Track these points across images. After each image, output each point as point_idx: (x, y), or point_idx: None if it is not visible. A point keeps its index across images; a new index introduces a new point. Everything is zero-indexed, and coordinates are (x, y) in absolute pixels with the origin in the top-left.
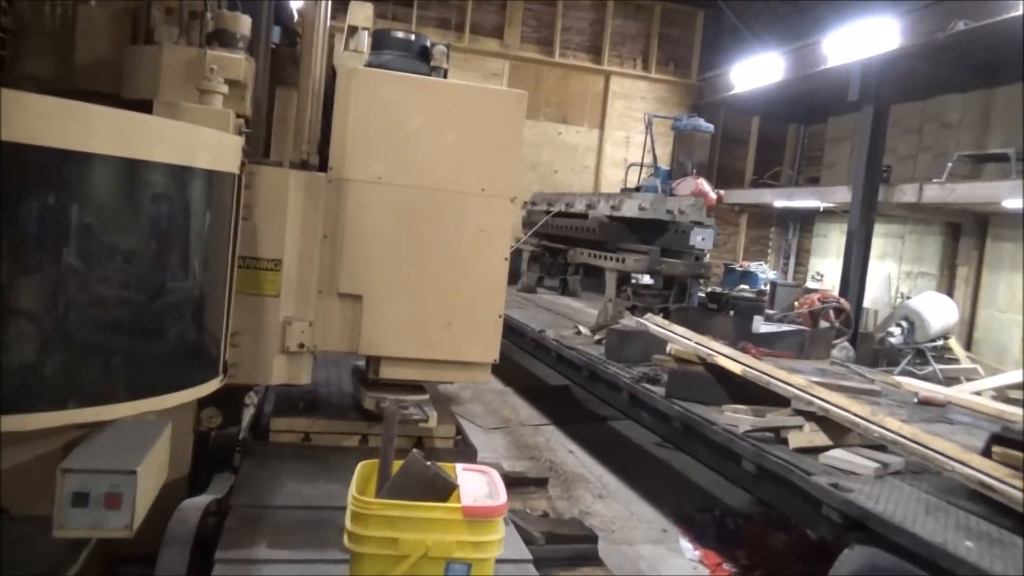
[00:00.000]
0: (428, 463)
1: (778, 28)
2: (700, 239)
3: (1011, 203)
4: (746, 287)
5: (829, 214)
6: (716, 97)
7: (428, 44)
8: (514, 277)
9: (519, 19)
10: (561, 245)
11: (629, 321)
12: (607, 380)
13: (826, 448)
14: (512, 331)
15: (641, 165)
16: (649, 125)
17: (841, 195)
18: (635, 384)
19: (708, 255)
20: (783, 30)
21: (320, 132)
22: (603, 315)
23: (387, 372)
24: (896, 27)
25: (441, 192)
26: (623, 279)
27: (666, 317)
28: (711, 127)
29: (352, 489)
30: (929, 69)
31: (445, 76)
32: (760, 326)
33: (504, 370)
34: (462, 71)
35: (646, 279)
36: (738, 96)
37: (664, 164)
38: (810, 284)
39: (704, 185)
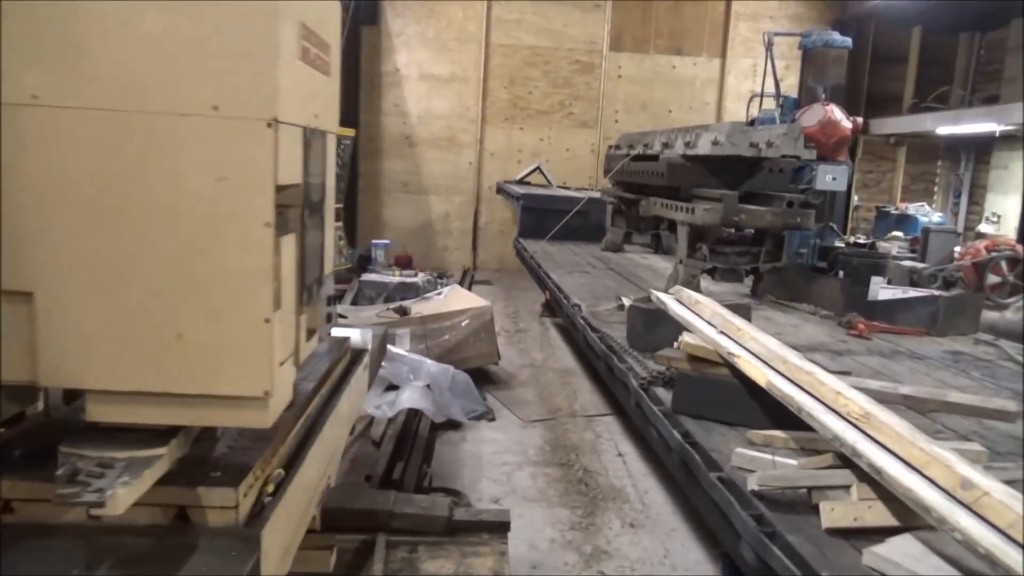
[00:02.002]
0: None
1: None
2: (830, 178)
3: None
4: (900, 234)
5: (1011, 140)
6: (862, 7)
7: None
8: (600, 234)
9: None
10: (635, 196)
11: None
12: (621, 378)
13: (886, 532)
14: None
15: (762, 95)
16: (769, 46)
17: (1021, 113)
18: (644, 387)
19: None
20: None
21: None
22: (672, 281)
23: (98, 413)
24: None
25: (142, 116)
26: (699, 233)
27: (756, 281)
28: (847, 40)
29: None
30: None
31: None
32: (880, 291)
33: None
34: (557, 4)
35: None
36: (891, 4)
37: (794, 92)
38: (984, 228)
39: (835, 112)
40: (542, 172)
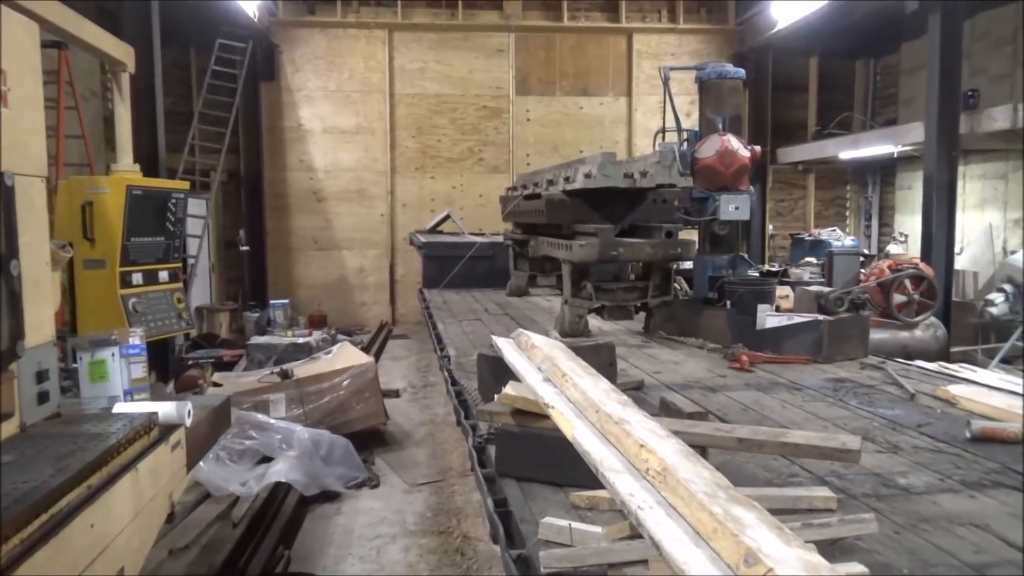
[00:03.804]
0: None
1: None
2: (732, 208)
3: None
4: (813, 259)
5: (913, 161)
6: (759, 40)
7: None
8: (508, 279)
9: None
10: (526, 236)
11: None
12: (464, 436)
13: None
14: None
15: (663, 131)
16: (666, 80)
17: (917, 134)
18: (480, 447)
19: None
20: None
21: None
22: (559, 323)
23: None
24: None
25: None
26: (582, 271)
27: (648, 316)
28: (740, 71)
29: None
30: None
31: None
32: (766, 319)
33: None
34: (460, 51)
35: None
36: (787, 34)
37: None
38: (892, 248)
39: (732, 141)
40: (453, 219)
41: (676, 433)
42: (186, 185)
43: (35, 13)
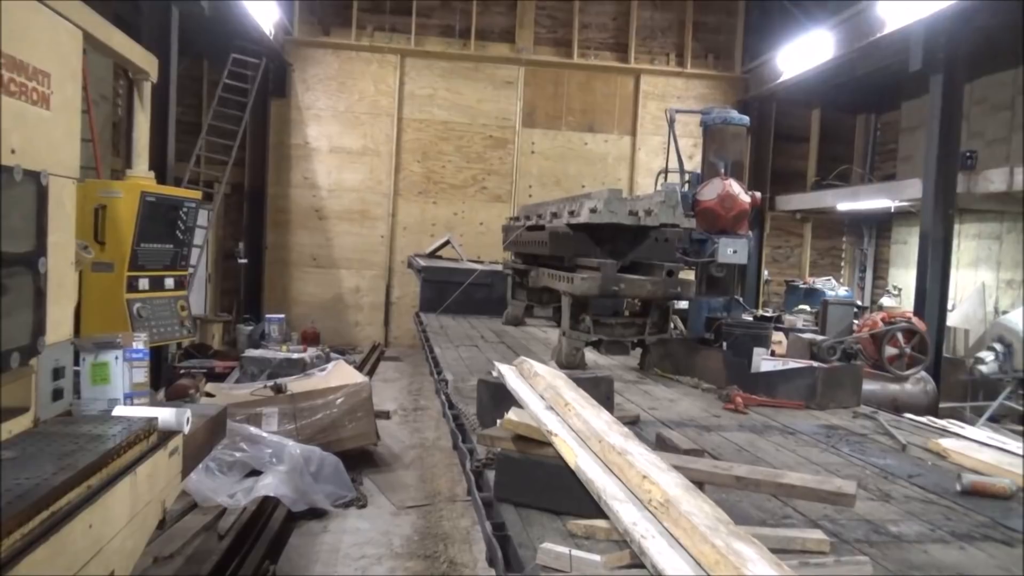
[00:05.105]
0: None
1: (833, 3)
2: (731, 251)
3: None
4: (807, 307)
5: (909, 216)
6: (764, 89)
7: None
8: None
9: (531, 19)
10: (527, 266)
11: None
12: (461, 460)
13: None
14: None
15: (666, 171)
16: (672, 122)
17: (914, 190)
18: (478, 471)
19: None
20: (839, 4)
21: None
22: (556, 354)
23: None
24: None
25: None
26: (582, 304)
27: (644, 353)
28: (744, 118)
29: None
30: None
31: None
32: (761, 363)
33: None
34: (470, 81)
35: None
36: (791, 85)
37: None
38: (885, 301)
39: (733, 186)
40: (453, 246)
41: (675, 468)
42: (198, 195)
43: (74, 20)
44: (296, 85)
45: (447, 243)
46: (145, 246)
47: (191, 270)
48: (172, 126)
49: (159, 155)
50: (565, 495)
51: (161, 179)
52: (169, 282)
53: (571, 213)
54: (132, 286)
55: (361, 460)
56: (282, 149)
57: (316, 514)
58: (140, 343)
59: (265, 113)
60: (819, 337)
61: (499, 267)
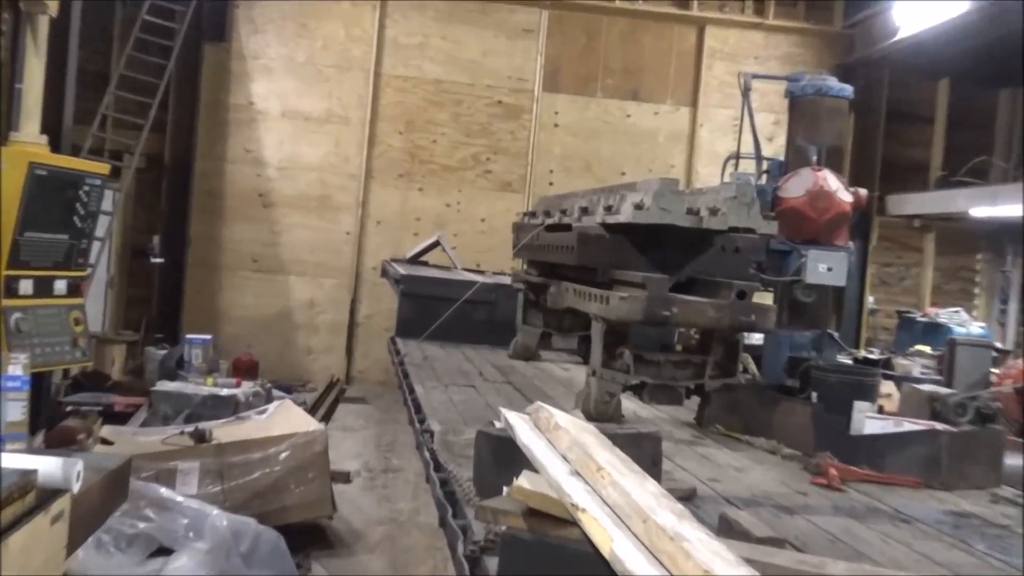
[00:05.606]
0: None
1: None
2: (824, 268)
3: None
4: (927, 348)
5: None
6: (874, 50)
7: None
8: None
9: None
10: (544, 279)
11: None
12: (451, 541)
13: None
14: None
15: (737, 157)
16: (746, 91)
17: None
18: (474, 557)
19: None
20: None
21: None
22: (582, 401)
23: None
24: None
25: None
26: (619, 334)
27: (703, 403)
28: (846, 88)
29: None
30: None
31: None
32: (865, 422)
33: None
34: (474, 27)
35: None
36: (911, 47)
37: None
38: None
39: (829, 180)
40: (443, 248)
41: (747, 561)
42: (106, 169)
43: None
44: (240, 26)
45: (436, 245)
46: (31, 235)
47: (90, 270)
48: (72, 76)
49: (54, 114)
50: None
51: (55, 146)
52: (60, 286)
53: (607, 209)
54: (11, 290)
55: (311, 538)
56: (217, 111)
57: None
58: (18, 367)
59: (197, 62)
60: (944, 390)
61: (506, 279)
